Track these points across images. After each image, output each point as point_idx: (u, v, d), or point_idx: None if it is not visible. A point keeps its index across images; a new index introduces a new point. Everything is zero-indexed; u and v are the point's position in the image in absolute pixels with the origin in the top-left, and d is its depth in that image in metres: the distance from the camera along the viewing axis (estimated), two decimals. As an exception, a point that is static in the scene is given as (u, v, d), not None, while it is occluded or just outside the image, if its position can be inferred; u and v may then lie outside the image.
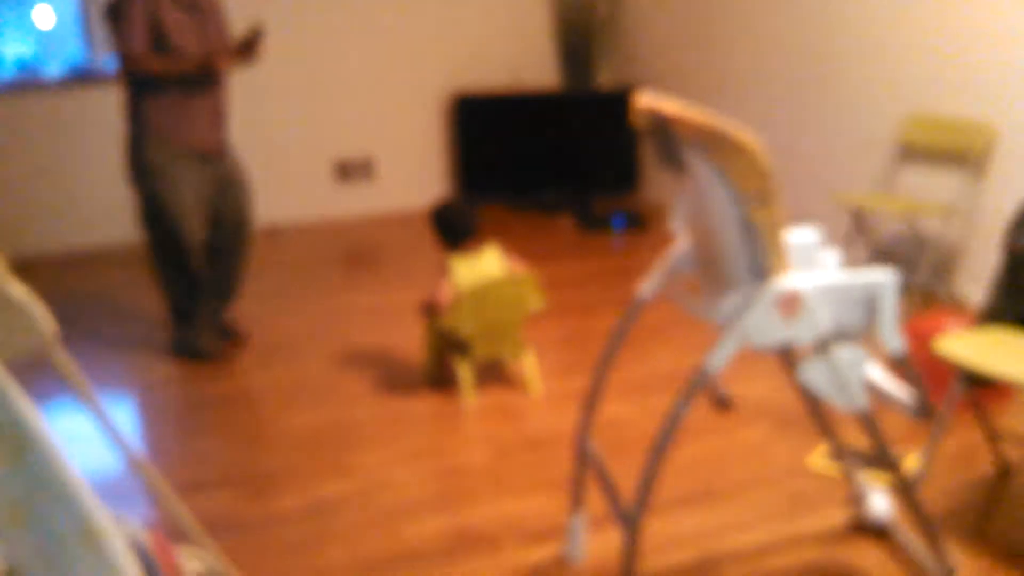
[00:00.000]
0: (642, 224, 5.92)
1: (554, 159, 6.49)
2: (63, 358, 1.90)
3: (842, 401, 2.00)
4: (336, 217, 6.37)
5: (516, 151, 6.47)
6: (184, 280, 3.91)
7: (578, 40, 6.50)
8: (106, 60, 5.64)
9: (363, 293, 4.86)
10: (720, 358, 1.94)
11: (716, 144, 1.84)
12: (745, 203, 1.88)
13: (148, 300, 4.79)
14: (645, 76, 6.45)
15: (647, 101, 2.03)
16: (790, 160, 4.91)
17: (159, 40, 3.58)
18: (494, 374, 3.70)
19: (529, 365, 3.56)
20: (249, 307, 4.54)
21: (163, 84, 3.63)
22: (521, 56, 6.66)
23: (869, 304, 1.98)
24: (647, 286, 2.37)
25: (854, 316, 1.99)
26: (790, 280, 1.91)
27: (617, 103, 6.38)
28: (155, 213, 3.74)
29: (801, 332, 1.93)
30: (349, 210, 6.41)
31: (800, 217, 2.69)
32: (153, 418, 3.54)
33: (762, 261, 1.92)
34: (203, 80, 3.68)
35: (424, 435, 3.26)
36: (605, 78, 6.76)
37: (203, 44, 3.68)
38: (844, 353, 1.97)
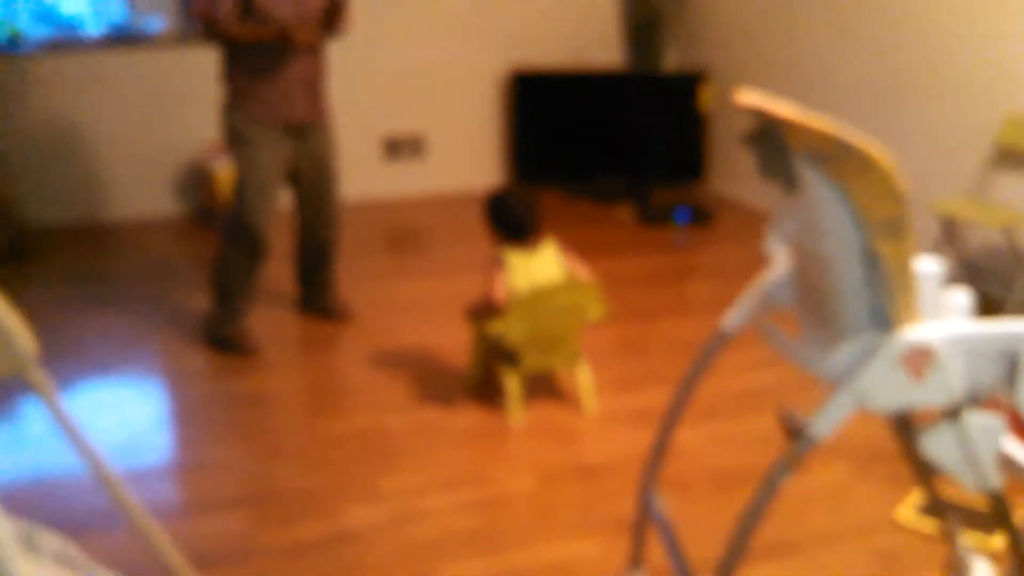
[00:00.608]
0: (707, 218, 5.53)
1: (615, 144, 6.12)
2: (41, 379, 1.61)
3: (971, 479, 1.64)
4: (383, 196, 6.05)
5: (575, 134, 6.10)
6: (239, 259, 3.67)
7: (646, 18, 6.09)
8: (148, 20, 5.37)
9: (408, 281, 4.55)
10: (829, 423, 1.60)
11: (840, 158, 1.49)
12: (871, 233, 1.53)
13: (186, 280, 4.53)
14: (715, 62, 6.04)
15: (754, 99, 1.67)
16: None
17: (249, 5, 3.40)
18: (544, 387, 3.37)
19: (584, 379, 3.22)
20: (286, 293, 4.26)
21: (247, 51, 3.48)
22: (584, 33, 6.28)
23: (1008, 360, 1.62)
24: (732, 318, 2.02)
25: (989, 375, 1.63)
26: (920, 332, 1.55)
27: (684, 87, 5.99)
28: (242, 180, 3.60)
29: (931, 395, 1.57)
30: (397, 189, 6.09)
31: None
32: (170, 418, 3.26)
33: (886, 306, 1.56)
34: (286, 49, 3.47)
35: (464, 455, 2.94)
36: (672, 61, 6.36)
37: (300, 14, 3.48)
38: (978, 421, 1.61)
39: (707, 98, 5.98)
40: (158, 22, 5.45)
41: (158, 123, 5.53)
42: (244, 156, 3.57)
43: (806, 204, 1.64)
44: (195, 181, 5.61)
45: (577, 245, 5.23)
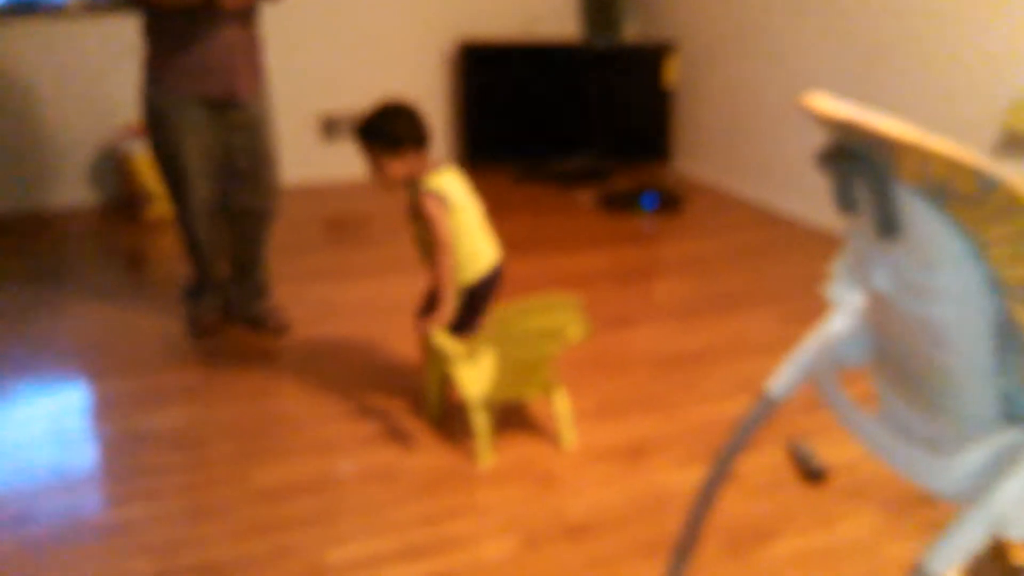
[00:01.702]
0: (675, 204, 5.11)
1: (573, 123, 5.67)
2: None
3: None
4: (320, 180, 5.53)
5: (529, 111, 5.63)
6: (189, 243, 3.45)
7: (604, -15, 5.64)
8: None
9: (350, 281, 4.06)
10: (953, 558, 1.17)
11: (976, 199, 1.06)
12: (1012, 299, 1.11)
13: (99, 279, 3.99)
14: (682, 32, 5.61)
15: (831, 108, 1.23)
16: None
17: None
18: (515, 416, 2.92)
19: (561, 407, 2.77)
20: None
21: (169, 17, 3.07)
22: (537, 1, 5.80)
23: None
24: (782, 381, 1.58)
25: None
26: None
27: (647, 60, 5.57)
28: (161, 164, 3.28)
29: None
30: (336, 172, 5.57)
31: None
32: (77, 465, 2.74)
33: (1030, 397, 1.14)
34: (213, 15, 3.05)
35: (427, 511, 2.48)
36: (632, 31, 5.91)
37: None
38: None
39: (672, 72, 5.55)
40: (63, -12, 4.85)
41: (68, 104, 4.93)
42: (165, 136, 3.20)
43: (911, 252, 1.21)
44: (112, 167, 5.03)
45: (533, 235, 4.81)
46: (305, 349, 3.42)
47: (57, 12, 4.76)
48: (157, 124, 3.20)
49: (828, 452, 2.69)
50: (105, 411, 3.01)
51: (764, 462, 2.69)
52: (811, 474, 2.61)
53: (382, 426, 2.87)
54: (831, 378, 1.52)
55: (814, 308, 3.83)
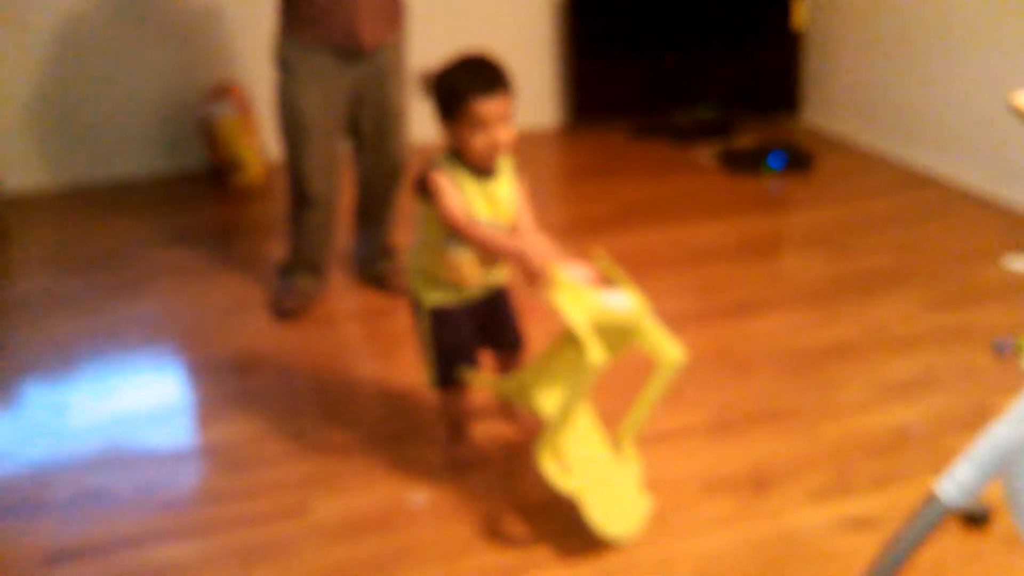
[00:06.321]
0: (806, 163, 4.57)
1: (691, 72, 5.15)
2: None
3: None
4: (415, 142, 5.19)
5: (643, 61, 5.14)
6: (294, 211, 3.26)
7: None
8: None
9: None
10: None
11: None
12: None
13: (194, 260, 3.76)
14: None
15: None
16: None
17: None
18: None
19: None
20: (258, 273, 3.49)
21: None
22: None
23: None
24: (959, 480, 1.15)
25: None
26: None
27: (774, 1, 5.00)
28: (280, 117, 3.11)
29: None
30: (432, 134, 5.21)
31: None
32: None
33: None
34: None
35: (499, 561, 2.13)
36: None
37: None
38: None
39: (803, 11, 4.97)
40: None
41: (148, 66, 4.71)
42: (284, 89, 3.06)
43: None
44: (194, 132, 4.79)
45: (646, 201, 4.35)
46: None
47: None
48: (281, 73, 3.06)
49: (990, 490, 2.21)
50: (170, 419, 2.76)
51: (910, 494, 2.24)
52: (970, 517, 2.15)
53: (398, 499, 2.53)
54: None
55: (973, 292, 3.33)
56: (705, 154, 4.82)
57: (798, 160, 4.56)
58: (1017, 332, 2.93)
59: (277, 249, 3.66)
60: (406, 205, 3.46)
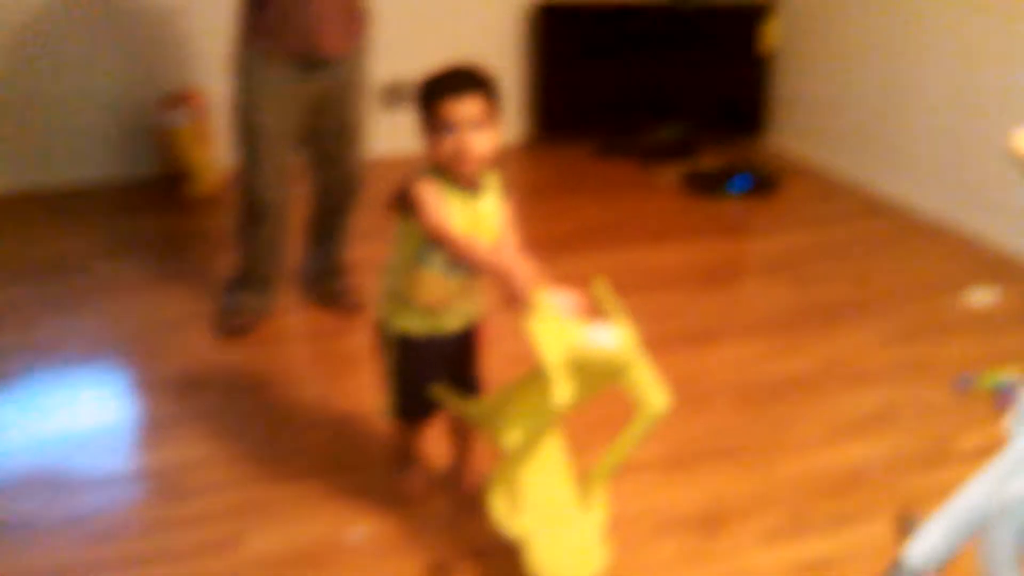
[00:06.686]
0: (770, 187, 4.54)
1: (657, 91, 5.12)
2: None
3: None
4: (379, 154, 5.09)
5: (610, 79, 5.09)
6: (244, 225, 3.14)
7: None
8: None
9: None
10: None
11: None
12: None
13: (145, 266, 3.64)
14: (783, -12, 4.99)
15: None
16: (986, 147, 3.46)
17: None
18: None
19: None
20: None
21: None
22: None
23: None
24: (926, 545, 1.09)
25: None
26: None
27: (740, 22, 4.98)
28: (236, 126, 3.01)
29: None
30: (397, 146, 5.12)
31: None
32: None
33: None
34: None
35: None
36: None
37: None
38: None
39: (771, 35, 4.95)
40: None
41: (102, 69, 4.59)
42: (241, 98, 2.96)
43: None
44: (147, 140, 4.66)
45: (604, 222, 4.26)
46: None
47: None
48: (239, 81, 2.96)
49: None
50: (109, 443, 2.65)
51: (866, 536, 2.18)
52: None
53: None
54: (1005, 553, 1.02)
55: (934, 325, 3.29)
56: (667, 176, 4.77)
57: (762, 183, 4.53)
58: (978, 369, 2.89)
59: (228, 262, 3.55)
60: (362, 221, 3.41)
